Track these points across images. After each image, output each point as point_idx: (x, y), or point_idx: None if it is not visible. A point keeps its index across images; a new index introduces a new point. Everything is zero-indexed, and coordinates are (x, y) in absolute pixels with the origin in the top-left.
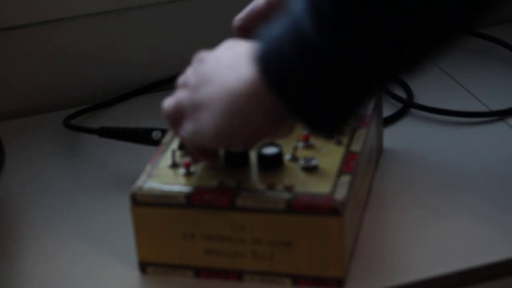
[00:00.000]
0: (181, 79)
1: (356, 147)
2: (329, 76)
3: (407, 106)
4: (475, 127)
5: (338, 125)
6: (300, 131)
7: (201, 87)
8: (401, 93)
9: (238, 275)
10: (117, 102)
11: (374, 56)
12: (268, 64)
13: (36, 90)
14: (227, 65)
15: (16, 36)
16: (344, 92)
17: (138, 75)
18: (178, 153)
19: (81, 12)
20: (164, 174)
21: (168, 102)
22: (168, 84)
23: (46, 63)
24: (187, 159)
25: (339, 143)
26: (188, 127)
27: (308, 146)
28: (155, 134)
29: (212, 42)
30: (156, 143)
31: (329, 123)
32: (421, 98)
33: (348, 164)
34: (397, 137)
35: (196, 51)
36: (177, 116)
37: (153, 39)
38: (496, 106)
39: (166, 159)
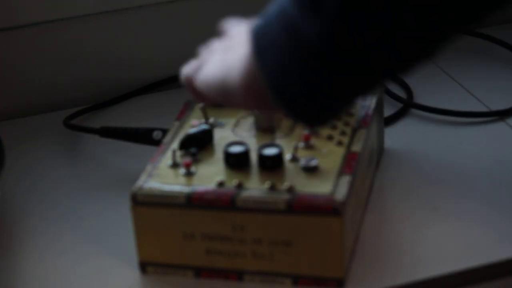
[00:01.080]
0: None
1: (356, 147)
2: (315, 71)
3: (407, 106)
4: (475, 127)
5: (321, 116)
6: (300, 131)
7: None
8: (401, 93)
9: (238, 275)
10: (117, 102)
11: (365, 51)
12: (258, 44)
13: (36, 90)
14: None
15: (16, 36)
16: (329, 86)
17: (138, 75)
18: (178, 153)
19: (81, 12)
20: (165, 174)
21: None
22: (168, 84)
23: (46, 63)
24: (187, 159)
25: (339, 143)
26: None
27: (309, 146)
28: (156, 134)
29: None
30: (157, 143)
31: (311, 113)
32: (421, 98)
33: (348, 164)
34: (397, 137)
35: (196, 51)
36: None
37: (153, 39)
38: (496, 106)
39: (167, 159)
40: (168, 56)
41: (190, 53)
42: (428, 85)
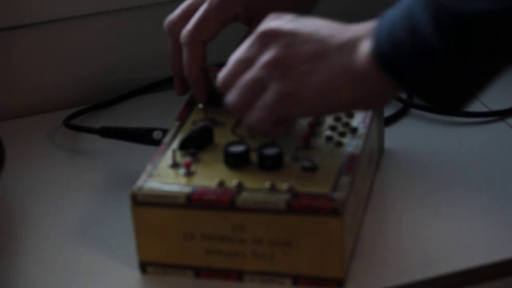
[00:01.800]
0: (263, 58)
1: (356, 148)
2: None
3: (407, 106)
4: (475, 127)
5: (457, 101)
6: (300, 131)
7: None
8: (401, 93)
9: (238, 275)
10: (117, 102)
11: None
12: (382, 45)
13: (36, 90)
14: (329, 36)
15: (16, 36)
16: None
17: (138, 75)
18: (178, 153)
19: (81, 12)
20: (165, 174)
21: (249, 76)
22: (168, 84)
23: (46, 63)
24: (187, 159)
25: (339, 143)
26: (277, 91)
27: (309, 146)
28: (156, 134)
29: (211, 42)
30: (157, 143)
31: (445, 100)
32: None
33: (348, 165)
34: (397, 137)
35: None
36: (257, 89)
37: (153, 39)
38: (496, 106)
39: (167, 159)
40: (168, 56)
41: None
42: None
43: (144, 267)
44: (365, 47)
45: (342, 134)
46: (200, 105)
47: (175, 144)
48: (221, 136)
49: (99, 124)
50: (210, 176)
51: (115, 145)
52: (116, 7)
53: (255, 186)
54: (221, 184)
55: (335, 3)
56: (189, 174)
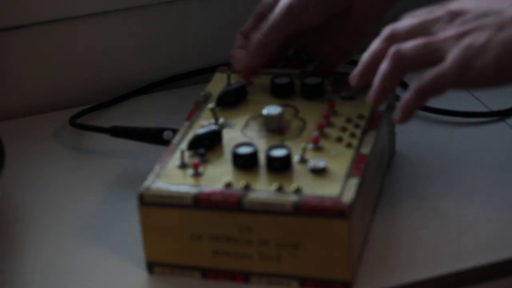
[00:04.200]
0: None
1: (365, 149)
2: None
3: None
4: (475, 127)
5: None
6: (308, 132)
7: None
8: (401, 93)
9: (245, 276)
10: (118, 102)
11: None
12: None
13: (36, 90)
14: None
15: (16, 36)
16: None
17: (139, 74)
18: (187, 154)
19: (81, 12)
20: (172, 175)
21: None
22: (169, 83)
23: (47, 63)
24: (195, 160)
25: (349, 145)
26: (458, 59)
27: (317, 148)
28: (166, 134)
29: (212, 42)
30: (167, 143)
31: None
32: None
33: (357, 167)
34: (397, 137)
35: (196, 51)
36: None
37: (154, 39)
38: (496, 106)
39: (175, 160)
40: (168, 56)
41: (191, 53)
42: None
43: (151, 267)
44: None
45: (352, 136)
46: (210, 105)
47: (184, 145)
48: (230, 137)
49: (102, 124)
50: (218, 177)
51: (122, 145)
52: (116, 7)
53: (263, 188)
54: (229, 185)
55: None
56: (197, 174)
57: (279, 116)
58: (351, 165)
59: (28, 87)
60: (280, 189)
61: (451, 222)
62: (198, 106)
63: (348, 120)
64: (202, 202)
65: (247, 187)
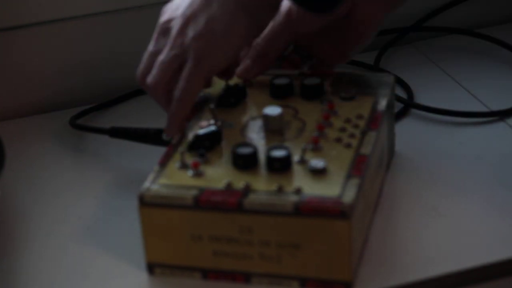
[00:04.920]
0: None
1: (365, 149)
2: None
3: (408, 106)
4: (475, 127)
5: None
6: (308, 133)
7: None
8: (402, 93)
9: (246, 277)
10: (118, 102)
11: None
12: None
13: (36, 89)
14: None
15: (16, 36)
16: None
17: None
18: (187, 154)
19: (81, 12)
20: (173, 175)
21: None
22: None
23: (47, 63)
24: (195, 160)
25: (348, 145)
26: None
27: (317, 148)
28: (166, 135)
29: None
30: (166, 143)
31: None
32: (421, 98)
33: (357, 167)
34: (397, 137)
35: None
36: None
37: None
38: (496, 106)
39: (175, 160)
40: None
41: None
42: (428, 85)
43: (151, 268)
44: None
45: (352, 136)
46: (210, 106)
47: (184, 145)
48: (230, 138)
49: (102, 124)
50: (218, 177)
51: (122, 145)
52: (116, 7)
53: (263, 188)
54: (229, 185)
55: None
56: (197, 175)
57: (279, 117)
58: (351, 166)
59: (28, 87)
60: (280, 190)
61: (451, 222)
62: (198, 107)
63: (348, 121)
64: (202, 203)
65: (247, 188)
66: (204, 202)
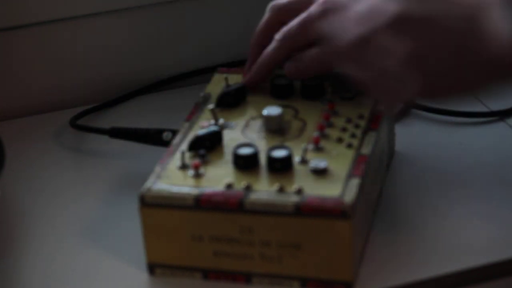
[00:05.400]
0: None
1: (366, 149)
2: None
3: (408, 106)
4: (475, 127)
5: None
6: (309, 133)
7: None
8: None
9: (246, 277)
10: (118, 102)
11: None
12: None
13: (37, 90)
14: None
15: (16, 36)
16: None
17: (139, 75)
18: (187, 155)
19: (81, 12)
20: (173, 176)
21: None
22: (168, 84)
23: (47, 63)
24: (196, 161)
25: (349, 145)
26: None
27: (318, 148)
28: (166, 135)
29: (212, 42)
30: (167, 144)
31: None
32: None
33: (358, 167)
34: (397, 137)
35: (197, 51)
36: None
37: (153, 39)
38: (496, 106)
39: (176, 161)
40: (169, 56)
41: (191, 53)
42: None
43: (152, 268)
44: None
45: (353, 136)
46: (210, 106)
47: (184, 146)
48: (231, 138)
49: (103, 124)
50: (219, 178)
51: (123, 146)
52: (116, 7)
53: (264, 188)
54: (230, 186)
55: None
56: (197, 175)
57: (279, 117)
58: (352, 166)
59: (28, 87)
60: (281, 190)
61: (451, 222)
62: (198, 107)
63: (348, 121)
64: (203, 203)
65: (248, 188)
66: (205, 203)
